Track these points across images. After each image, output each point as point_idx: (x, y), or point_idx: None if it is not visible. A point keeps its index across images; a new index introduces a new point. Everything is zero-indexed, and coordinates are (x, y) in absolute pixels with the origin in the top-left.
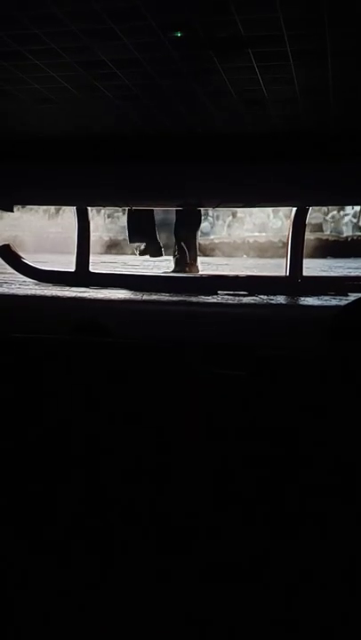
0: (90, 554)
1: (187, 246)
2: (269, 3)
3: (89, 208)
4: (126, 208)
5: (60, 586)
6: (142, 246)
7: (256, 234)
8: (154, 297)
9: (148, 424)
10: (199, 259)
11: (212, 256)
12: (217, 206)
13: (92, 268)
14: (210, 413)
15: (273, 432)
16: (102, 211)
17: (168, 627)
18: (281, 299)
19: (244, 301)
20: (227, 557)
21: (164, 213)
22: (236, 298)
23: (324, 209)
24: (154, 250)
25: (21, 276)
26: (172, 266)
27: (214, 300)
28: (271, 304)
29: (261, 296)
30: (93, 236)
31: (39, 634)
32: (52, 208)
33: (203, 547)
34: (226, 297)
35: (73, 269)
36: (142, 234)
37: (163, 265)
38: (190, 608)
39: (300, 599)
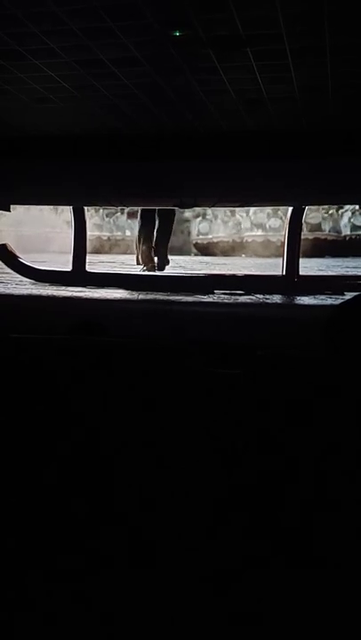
0: (88, 554)
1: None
2: (269, 0)
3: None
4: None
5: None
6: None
7: (254, 233)
8: (150, 296)
9: (147, 423)
10: (197, 258)
11: (211, 255)
12: (213, 205)
13: (88, 268)
14: (209, 412)
15: (270, 430)
16: (100, 210)
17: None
18: (277, 298)
19: (240, 300)
20: (227, 564)
21: None
22: (233, 297)
23: (323, 208)
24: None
25: (18, 275)
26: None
27: (211, 300)
28: (268, 303)
29: (258, 295)
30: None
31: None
32: None
33: (203, 550)
34: (222, 296)
35: (70, 269)
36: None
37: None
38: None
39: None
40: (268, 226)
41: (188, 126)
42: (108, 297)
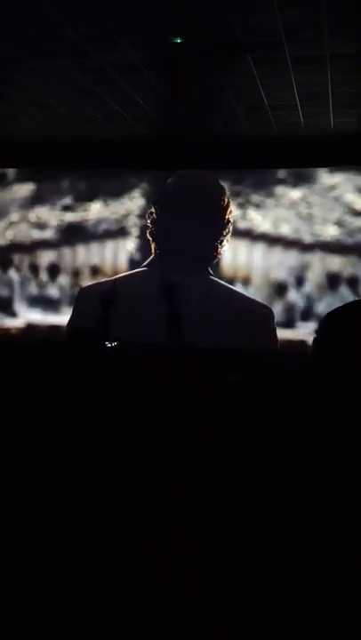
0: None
1: None
2: (268, 8)
3: None
4: None
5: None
6: None
7: None
8: None
9: (147, 427)
10: None
11: None
12: None
13: None
14: (208, 417)
15: (266, 435)
16: None
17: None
18: None
19: None
20: (228, 566)
21: None
22: None
23: None
24: None
25: None
26: None
27: None
28: None
29: None
30: None
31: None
32: None
33: (202, 550)
34: None
35: None
36: None
37: None
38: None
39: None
40: None
41: (188, 133)
42: None
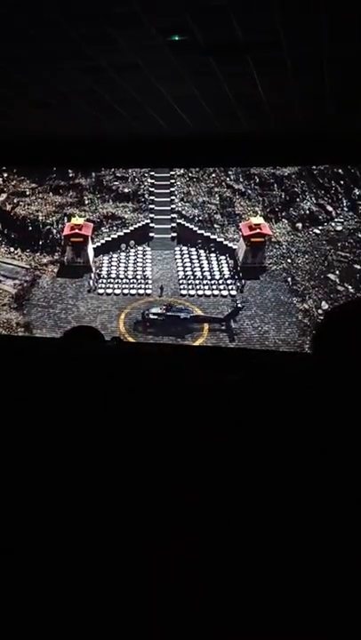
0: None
1: None
2: (267, 8)
3: None
4: None
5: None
6: None
7: None
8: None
9: (147, 427)
10: None
11: None
12: None
13: None
14: (208, 417)
15: (265, 436)
16: None
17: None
18: None
19: None
20: (227, 565)
21: None
22: None
23: None
24: None
25: None
26: None
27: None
28: None
29: None
30: None
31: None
32: None
33: (202, 552)
34: None
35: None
36: None
37: None
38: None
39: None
40: None
41: (188, 132)
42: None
